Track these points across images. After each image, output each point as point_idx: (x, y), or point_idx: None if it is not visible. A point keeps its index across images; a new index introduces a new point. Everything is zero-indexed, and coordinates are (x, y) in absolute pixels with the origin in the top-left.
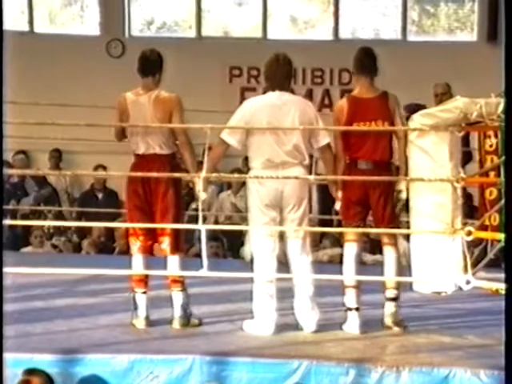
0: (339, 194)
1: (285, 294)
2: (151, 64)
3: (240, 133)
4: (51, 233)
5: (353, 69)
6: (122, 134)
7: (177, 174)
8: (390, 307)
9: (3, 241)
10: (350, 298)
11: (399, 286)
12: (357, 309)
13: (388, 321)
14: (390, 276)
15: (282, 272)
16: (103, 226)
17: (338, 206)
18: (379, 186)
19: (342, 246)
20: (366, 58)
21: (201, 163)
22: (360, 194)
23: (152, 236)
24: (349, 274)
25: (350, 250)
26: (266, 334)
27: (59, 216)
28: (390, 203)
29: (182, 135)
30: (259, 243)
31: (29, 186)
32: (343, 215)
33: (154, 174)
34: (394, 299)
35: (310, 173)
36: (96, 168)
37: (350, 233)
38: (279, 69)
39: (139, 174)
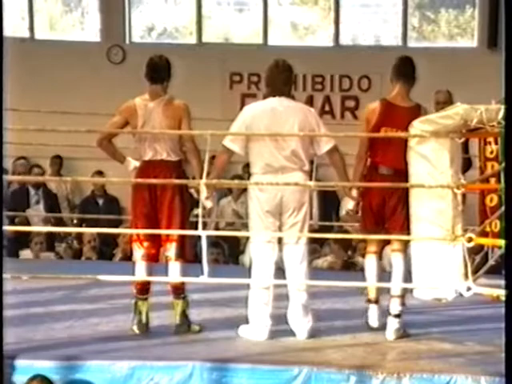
0: (353, 193)
1: (284, 299)
2: (160, 71)
3: (242, 139)
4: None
5: (391, 75)
6: (110, 139)
7: (177, 181)
8: (394, 323)
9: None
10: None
11: (404, 301)
12: (376, 301)
13: (391, 336)
14: (397, 283)
15: (281, 278)
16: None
17: (350, 205)
18: (397, 193)
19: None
20: (405, 67)
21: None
22: (377, 199)
23: (156, 243)
24: (370, 286)
25: (371, 262)
26: (259, 340)
27: (60, 222)
28: (406, 211)
29: (190, 142)
30: (258, 249)
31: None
32: (362, 222)
33: (157, 181)
34: (398, 315)
35: (311, 178)
36: (94, 174)
37: (372, 244)
38: (279, 75)
39: (140, 180)
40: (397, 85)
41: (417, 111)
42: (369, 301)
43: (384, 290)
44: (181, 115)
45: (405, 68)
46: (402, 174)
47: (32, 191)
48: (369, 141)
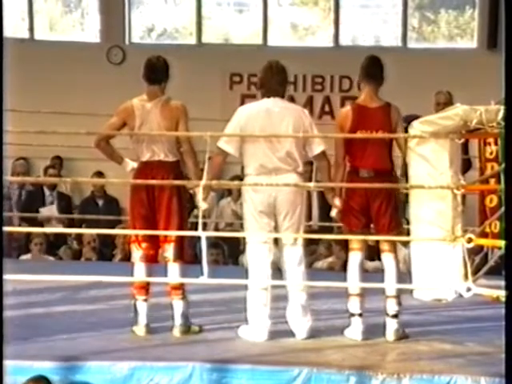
0: (336, 202)
1: (284, 300)
2: (158, 72)
3: (237, 140)
4: (51, 240)
5: (359, 76)
6: (108, 140)
7: (177, 182)
8: (392, 324)
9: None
10: (354, 304)
11: (400, 301)
12: (360, 315)
13: (391, 337)
14: (390, 284)
15: (279, 278)
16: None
17: (333, 213)
18: (380, 194)
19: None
20: (372, 67)
21: (202, 171)
22: (361, 202)
23: (155, 244)
24: (352, 282)
25: (355, 258)
26: (259, 341)
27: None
28: (391, 211)
29: (187, 143)
30: (253, 250)
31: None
32: (346, 223)
33: (156, 182)
34: (396, 315)
35: (310, 180)
36: (94, 175)
37: (355, 241)
38: (273, 76)
39: (139, 181)
40: (366, 86)
41: (387, 110)
42: (351, 315)
43: (379, 291)
44: (178, 116)
45: (373, 68)
46: (384, 174)
47: (47, 192)
48: (346, 145)
